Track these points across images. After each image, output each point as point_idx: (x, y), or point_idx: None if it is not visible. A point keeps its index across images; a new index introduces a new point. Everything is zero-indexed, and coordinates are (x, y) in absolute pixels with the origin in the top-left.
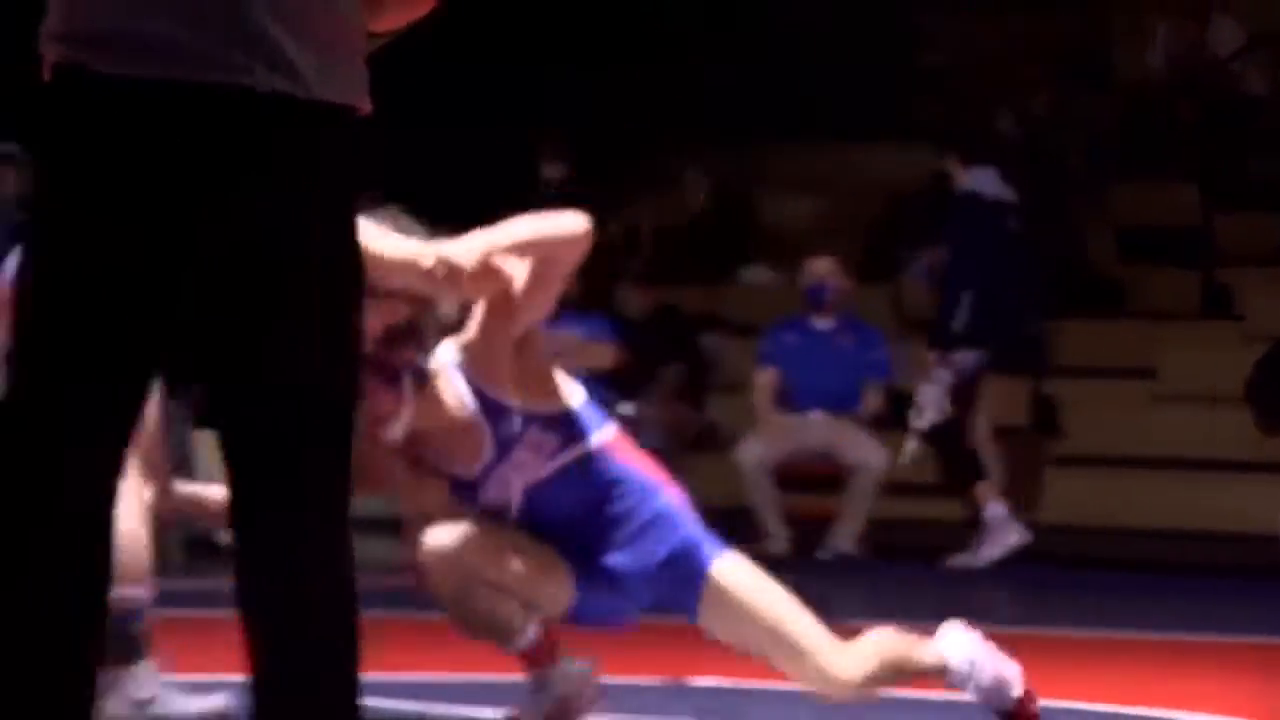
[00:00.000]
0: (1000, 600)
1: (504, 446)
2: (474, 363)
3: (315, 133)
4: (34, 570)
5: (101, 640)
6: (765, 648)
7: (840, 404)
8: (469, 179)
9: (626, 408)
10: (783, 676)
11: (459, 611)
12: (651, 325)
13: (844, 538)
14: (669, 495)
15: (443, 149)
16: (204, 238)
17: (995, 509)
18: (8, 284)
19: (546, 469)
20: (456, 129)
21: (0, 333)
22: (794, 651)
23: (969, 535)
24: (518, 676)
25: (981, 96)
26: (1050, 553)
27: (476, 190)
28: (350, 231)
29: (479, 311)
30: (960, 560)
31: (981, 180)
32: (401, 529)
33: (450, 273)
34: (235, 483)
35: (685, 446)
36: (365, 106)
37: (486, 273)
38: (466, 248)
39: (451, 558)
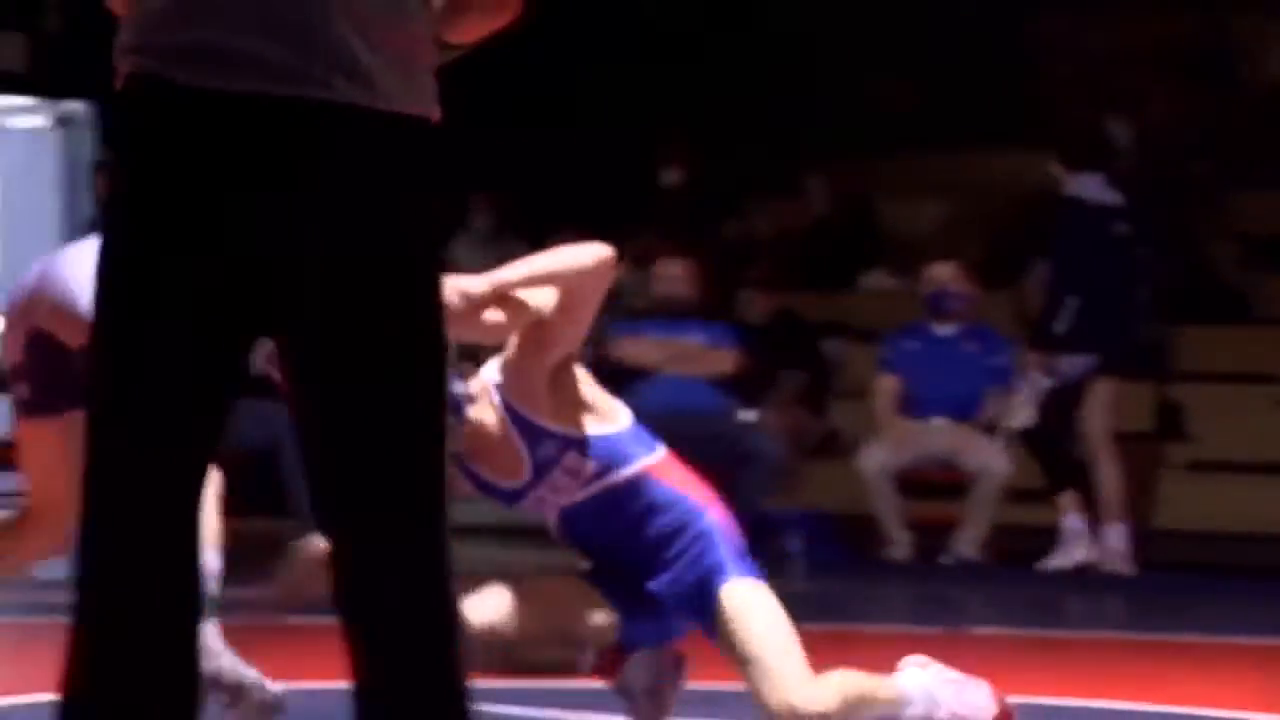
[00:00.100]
0: (1122, 606)
1: (541, 468)
2: (510, 387)
3: (392, 143)
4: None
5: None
6: (746, 666)
7: (962, 410)
8: (589, 183)
9: (747, 414)
10: None
11: (511, 667)
12: (773, 331)
13: (967, 543)
14: (711, 518)
15: (563, 153)
16: (283, 250)
17: (1074, 521)
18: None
19: (583, 493)
20: (577, 132)
21: (10, 351)
22: (766, 674)
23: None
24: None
25: (1101, 101)
26: (1174, 558)
27: (596, 195)
28: (431, 239)
29: (511, 340)
30: (1054, 562)
31: (1086, 185)
32: None
33: (468, 304)
34: (328, 490)
35: (806, 453)
36: (436, 115)
37: (506, 303)
38: (484, 280)
39: (488, 636)
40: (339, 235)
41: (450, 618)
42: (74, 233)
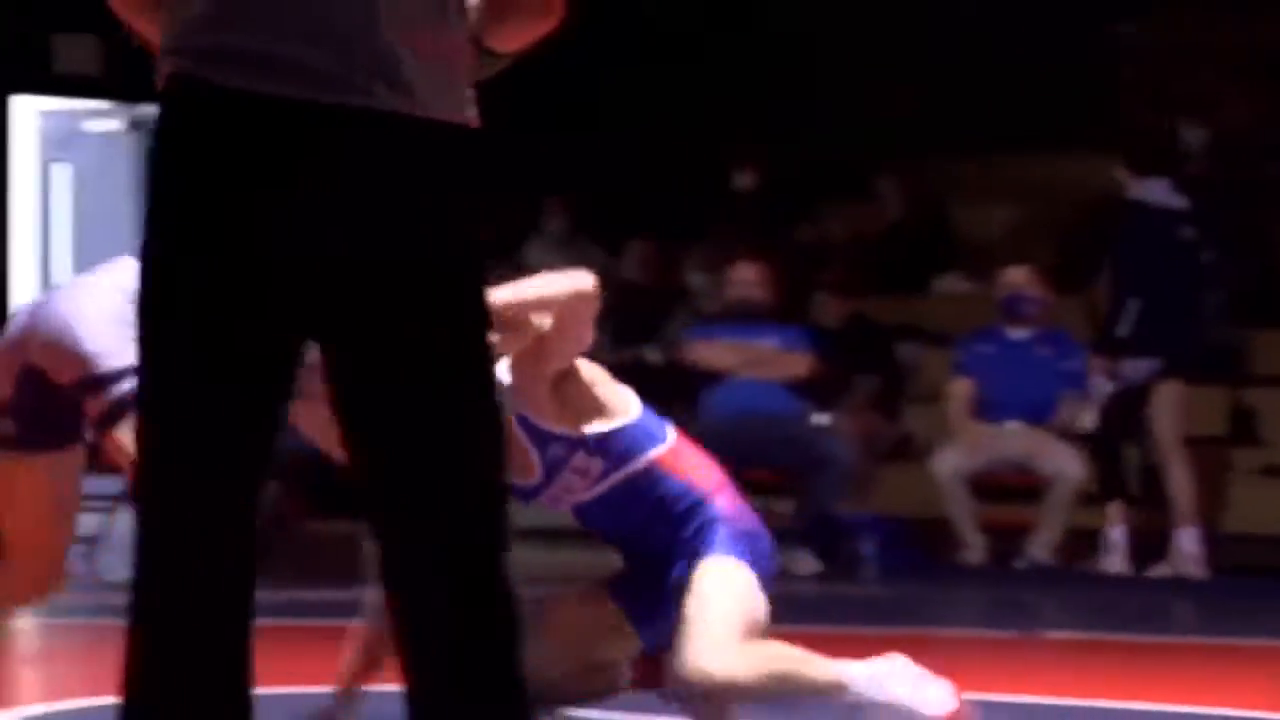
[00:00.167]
0: (1193, 610)
1: (551, 469)
2: (515, 392)
3: (432, 150)
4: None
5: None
6: (680, 627)
7: (1036, 414)
8: (662, 186)
9: (821, 418)
10: (972, 686)
11: (553, 704)
12: (847, 335)
13: (1041, 547)
14: (718, 505)
15: (638, 156)
16: (320, 252)
17: (1117, 532)
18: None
19: (594, 491)
20: (650, 135)
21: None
22: (693, 635)
23: (1164, 545)
24: None
25: (1176, 104)
26: (1246, 563)
27: (670, 198)
28: (473, 244)
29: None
30: (1158, 570)
31: (1151, 189)
32: None
33: None
34: (385, 496)
35: (880, 457)
36: (474, 122)
37: (504, 325)
38: None
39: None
40: (378, 239)
41: (511, 620)
42: None
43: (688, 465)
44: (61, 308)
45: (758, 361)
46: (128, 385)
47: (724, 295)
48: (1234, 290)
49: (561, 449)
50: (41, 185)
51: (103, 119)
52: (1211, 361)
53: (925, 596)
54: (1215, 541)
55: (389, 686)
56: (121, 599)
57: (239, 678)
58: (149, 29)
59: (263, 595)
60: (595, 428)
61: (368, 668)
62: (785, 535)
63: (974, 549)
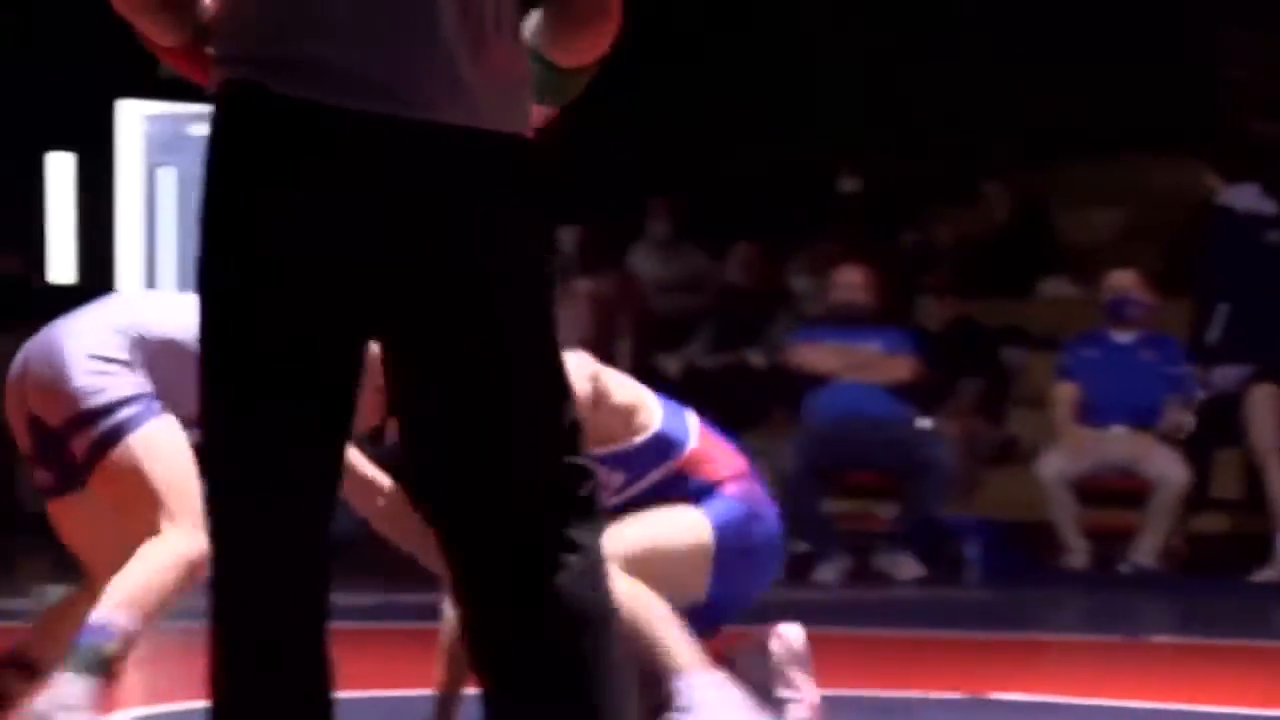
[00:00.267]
0: None
1: None
2: None
3: (494, 162)
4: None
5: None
6: None
7: (1141, 418)
8: (767, 190)
9: (925, 422)
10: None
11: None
12: (951, 338)
13: (1145, 552)
14: (728, 489)
15: (743, 159)
16: (388, 269)
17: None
18: None
19: (617, 500)
20: (754, 138)
21: (21, 440)
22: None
23: (1268, 549)
24: None
25: (1277, 108)
26: None
27: (774, 201)
28: (537, 254)
29: None
30: (1263, 574)
31: (1239, 194)
32: None
33: None
34: (444, 499)
35: (984, 461)
36: (531, 134)
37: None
38: None
39: None
40: (440, 249)
41: (576, 620)
42: None
43: (708, 462)
44: (49, 346)
45: (861, 365)
46: (114, 420)
47: (828, 298)
48: None
49: None
50: (147, 189)
51: (208, 123)
52: None
53: (1028, 600)
54: None
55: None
56: None
57: (320, 681)
58: (151, 29)
59: (350, 599)
60: (617, 444)
61: (458, 671)
62: (888, 539)
63: (1077, 553)
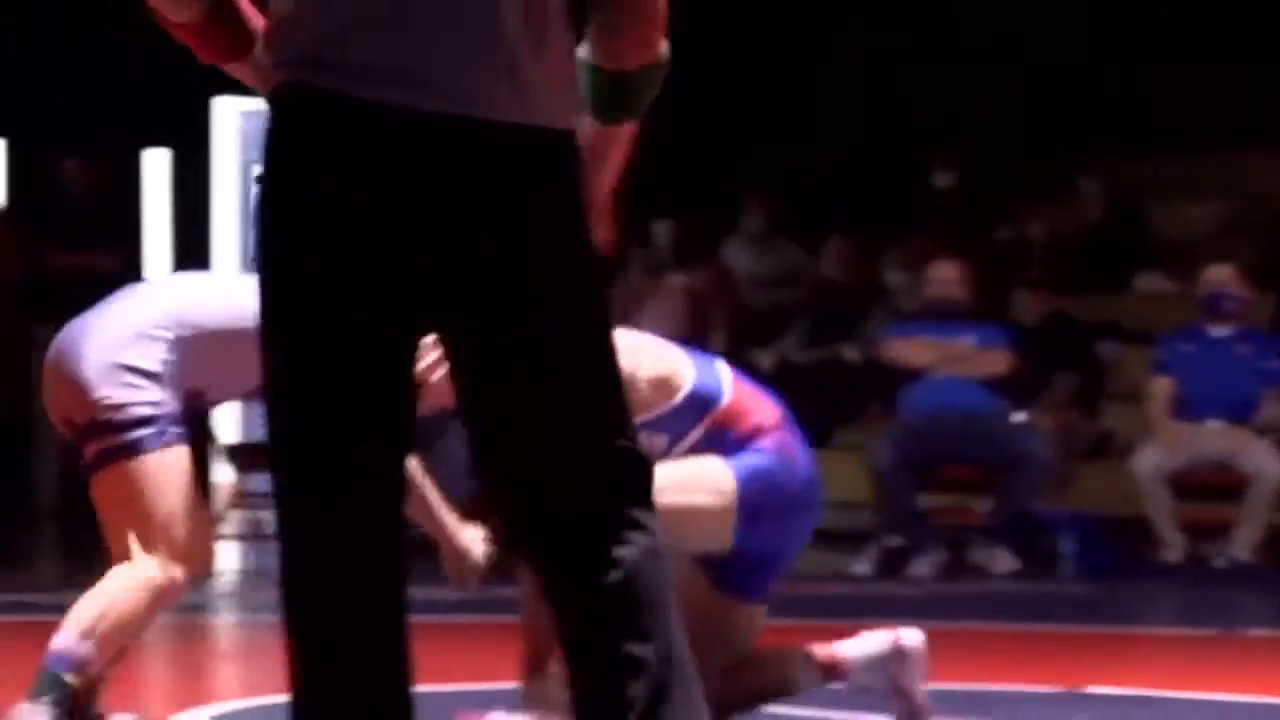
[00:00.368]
0: None
1: None
2: None
3: (552, 158)
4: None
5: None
6: None
7: (1237, 413)
8: (861, 185)
9: (1019, 415)
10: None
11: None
12: (1046, 333)
13: (1241, 546)
14: (762, 443)
15: (837, 153)
16: (445, 263)
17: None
18: None
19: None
20: (849, 133)
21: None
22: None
23: None
24: None
25: None
26: None
27: (869, 196)
28: (590, 249)
29: None
30: None
31: None
32: None
33: None
34: (508, 485)
35: (1079, 455)
36: (580, 130)
37: None
38: None
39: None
40: (497, 244)
41: (636, 600)
42: None
43: (745, 414)
44: (67, 349)
45: (956, 359)
46: (125, 439)
47: (923, 293)
48: None
49: None
50: (243, 186)
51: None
52: None
53: (1124, 594)
54: None
55: None
56: None
57: (396, 675)
58: (163, 4)
59: (428, 592)
60: (653, 410)
61: (540, 659)
62: (983, 533)
63: (1173, 547)
